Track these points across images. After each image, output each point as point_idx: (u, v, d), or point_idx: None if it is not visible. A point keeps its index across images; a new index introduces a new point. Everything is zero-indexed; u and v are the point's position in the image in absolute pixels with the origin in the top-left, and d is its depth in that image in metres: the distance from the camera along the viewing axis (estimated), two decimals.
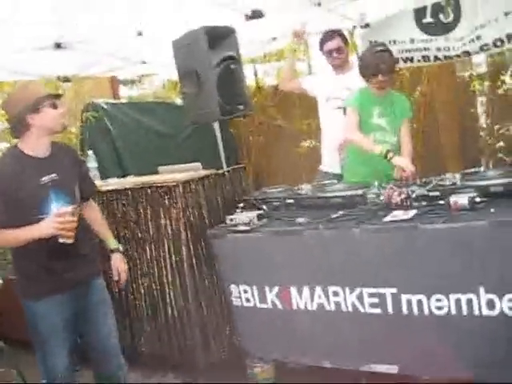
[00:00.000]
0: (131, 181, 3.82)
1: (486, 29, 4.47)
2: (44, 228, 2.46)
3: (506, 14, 4.31)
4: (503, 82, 5.73)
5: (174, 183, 3.25)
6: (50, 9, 3.34)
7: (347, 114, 3.74)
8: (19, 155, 2.57)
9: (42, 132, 2.57)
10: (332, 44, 4.20)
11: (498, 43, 4.46)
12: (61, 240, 2.46)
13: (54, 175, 2.58)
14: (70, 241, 2.48)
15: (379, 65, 3.56)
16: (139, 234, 3.48)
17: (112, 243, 2.96)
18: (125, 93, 9.49)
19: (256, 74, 7.15)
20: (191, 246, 3.27)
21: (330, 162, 4.25)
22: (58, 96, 2.66)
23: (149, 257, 3.46)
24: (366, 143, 3.57)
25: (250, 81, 6.53)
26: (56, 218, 2.44)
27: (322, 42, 4.27)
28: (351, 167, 3.81)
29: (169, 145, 5.92)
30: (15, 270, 2.71)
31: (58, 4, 3.27)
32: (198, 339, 3.36)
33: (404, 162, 3.38)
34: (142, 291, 3.53)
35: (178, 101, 6.29)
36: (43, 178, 2.55)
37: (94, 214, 2.94)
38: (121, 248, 2.98)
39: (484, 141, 5.97)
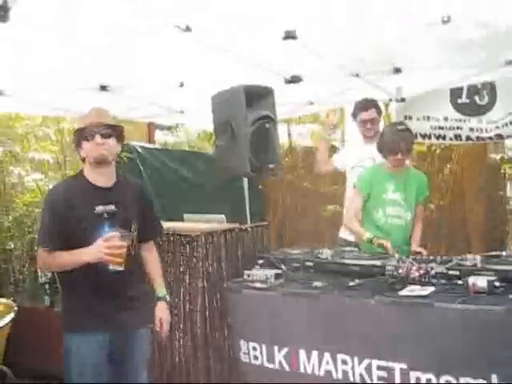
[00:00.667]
0: None
1: None
2: (93, 252, 2.44)
3: None
4: None
5: (198, 233, 3.31)
6: (96, 53, 3.50)
7: (352, 194, 3.86)
8: (81, 180, 2.63)
9: (90, 163, 2.60)
10: (367, 114, 4.28)
11: None
12: (111, 267, 2.45)
13: (112, 207, 2.59)
14: (119, 268, 2.45)
15: (399, 144, 3.60)
16: None
17: (160, 291, 2.90)
18: (160, 137, 9.71)
19: (290, 135, 7.29)
20: (206, 297, 3.30)
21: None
22: (111, 127, 2.64)
23: None
24: (358, 232, 3.71)
25: (283, 140, 6.67)
26: (103, 243, 2.42)
27: (357, 111, 4.35)
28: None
29: (197, 194, 6.01)
30: (63, 301, 2.72)
31: (105, 49, 3.43)
32: None
33: (386, 243, 3.40)
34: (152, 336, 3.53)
35: (211, 152, 6.43)
36: (99, 208, 2.56)
37: (151, 256, 2.91)
38: (168, 298, 2.93)
39: (510, 225, 5.93)
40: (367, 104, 4.31)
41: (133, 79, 4.20)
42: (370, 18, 3.19)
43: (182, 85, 4.27)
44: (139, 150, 5.84)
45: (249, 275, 3.10)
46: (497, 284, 2.52)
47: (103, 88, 4.27)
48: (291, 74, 3.87)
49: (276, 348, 2.93)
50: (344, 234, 4.33)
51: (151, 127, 7.69)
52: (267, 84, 3.86)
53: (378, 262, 2.98)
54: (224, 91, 3.83)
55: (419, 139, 5.32)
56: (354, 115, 4.38)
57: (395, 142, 3.62)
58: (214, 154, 4.55)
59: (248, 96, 3.67)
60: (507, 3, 3.02)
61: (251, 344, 3.03)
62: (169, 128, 9.79)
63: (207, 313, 3.30)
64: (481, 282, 2.52)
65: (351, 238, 4.16)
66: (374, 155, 4.13)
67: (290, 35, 3.15)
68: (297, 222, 6.74)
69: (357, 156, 4.30)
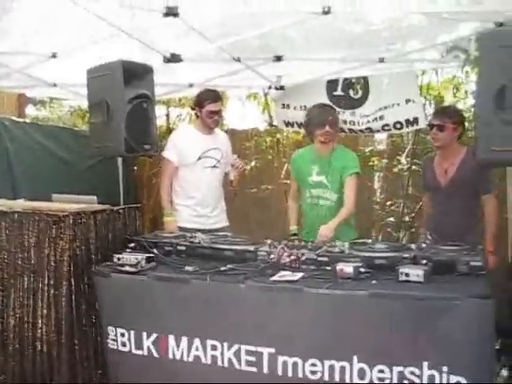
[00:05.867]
0: (20, 204, 3.64)
1: (388, 111, 4.82)
2: None
3: (407, 101, 4.70)
4: (399, 161, 6.10)
5: (65, 213, 3.13)
6: None
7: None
8: None
9: None
10: (215, 106, 4.18)
11: (398, 126, 4.83)
12: None
13: None
14: None
15: (326, 117, 3.80)
16: (19, 262, 3.28)
17: None
18: (32, 112, 9.16)
19: (168, 116, 7.16)
20: (73, 281, 3.12)
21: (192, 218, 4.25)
22: None
23: (26, 286, 3.25)
24: (290, 215, 4.09)
25: (161, 122, 6.54)
26: None
27: (205, 102, 4.17)
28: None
29: (68, 173, 5.71)
30: None
31: None
32: (65, 379, 3.17)
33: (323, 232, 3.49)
34: (12, 322, 3.31)
35: (86, 129, 6.14)
36: None
37: None
38: None
39: (376, 214, 6.25)
40: (216, 96, 4.22)
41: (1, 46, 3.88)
42: (255, 3, 3.19)
43: (54, 56, 4.00)
44: (6, 123, 5.43)
45: (119, 258, 2.99)
46: (362, 270, 2.62)
47: None
48: (171, 52, 3.75)
49: (145, 334, 2.85)
50: (183, 222, 4.23)
51: (22, 100, 7.22)
52: (147, 62, 3.75)
53: (250, 247, 2.98)
54: (101, 65, 3.65)
55: (295, 128, 5.46)
56: (200, 105, 4.20)
57: (321, 114, 3.81)
58: (88, 131, 4.35)
59: (126, 73, 3.54)
60: (384, 2, 3.16)
61: (119, 330, 2.93)
62: (41, 102, 9.26)
63: (74, 298, 3.14)
64: (348, 267, 2.61)
65: (191, 226, 4.11)
66: (218, 146, 4.24)
67: (171, 12, 3.06)
68: None
69: (202, 147, 4.21)
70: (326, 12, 3.03)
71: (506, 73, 2.42)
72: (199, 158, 4.20)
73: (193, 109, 4.39)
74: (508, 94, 2.42)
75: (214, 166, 4.24)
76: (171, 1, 3.11)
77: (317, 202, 3.96)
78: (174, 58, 3.73)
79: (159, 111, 5.76)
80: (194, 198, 4.24)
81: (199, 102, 4.22)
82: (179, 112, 7.20)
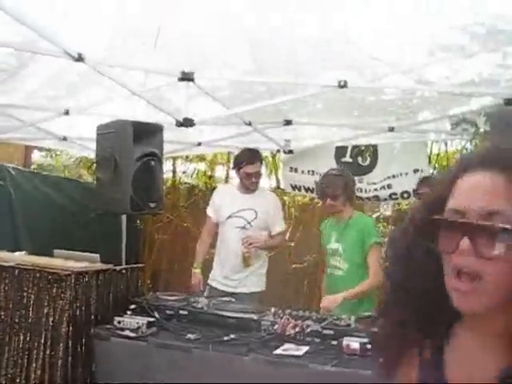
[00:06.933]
0: (21, 258, 3.57)
1: (396, 180, 4.81)
2: None
3: (415, 171, 4.69)
4: None
5: (67, 272, 3.06)
6: None
7: None
8: None
9: None
10: (253, 167, 4.03)
11: (405, 195, 4.81)
12: None
13: None
14: None
15: (325, 188, 3.55)
16: (16, 319, 3.19)
17: None
18: (38, 159, 9.17)
19: (174, 172, 7.16)
20: (70, 342, 3.02)
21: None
22: None
23: (20, 346, 3.15)
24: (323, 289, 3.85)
25: (166, 176, 6.53)
26: None
27: (242, 164, 4.05)
28: None
29: (71, 224, 5.67)
30: None
31: None
32: None
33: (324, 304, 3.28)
34: (4, 383, 3.19)
35: (91, 181, 6.13)
36: None
37: None
38: None
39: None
40: (253, 157, 4.07)
41: (12, 100, 3.91)
42: (269, 71, 3.23)
43: (67, 113, 4.02)
44: (12, 171, 5.43)
45: (119, 322, 2.91)
46: (369, 346, 2.54)
47: None
48: (183, 115, 3.77)
49: None
50: (214, 282, 4.15)
51: (29, 150, 7.26)
52: (157, 121, 3.77)
53: (254, 316, 2.91)
54: (111, 123, 3.69)
55: (302, 192, 5.44)
56: (238, 166, 4.09)
57: (322, 187, 3.60)
58: (95, 186, 4.34)
59: (136, 130, 3.55)
60: (398, 77, 3.20)
61: None
62: (48, 150, 9.29)
63: (70, 360, 3.03)
64: (354, 344, 2.54)
65: (221, 287, 4.04)
66: (254, 207, 4.08)
67: (186, 77, 3.09)
68: (174, 262, 6.57)
69: (235, 206, 4.10)
70: (342, 86, 3.03)
71: None
72: (229, 217, 4.10)
73: (233, 168, 4.36)
74: None
75: (244, 227, 4.06)
76: (186, 65, 3.16)
77: (332, 272, 3.70)
78: (186, 122, 3.72)
79: (165, 166, 5.76)
80: (221, 256, 4.17)
81: (236, 164, 4.12)
82: (186, 168, 7.22)
